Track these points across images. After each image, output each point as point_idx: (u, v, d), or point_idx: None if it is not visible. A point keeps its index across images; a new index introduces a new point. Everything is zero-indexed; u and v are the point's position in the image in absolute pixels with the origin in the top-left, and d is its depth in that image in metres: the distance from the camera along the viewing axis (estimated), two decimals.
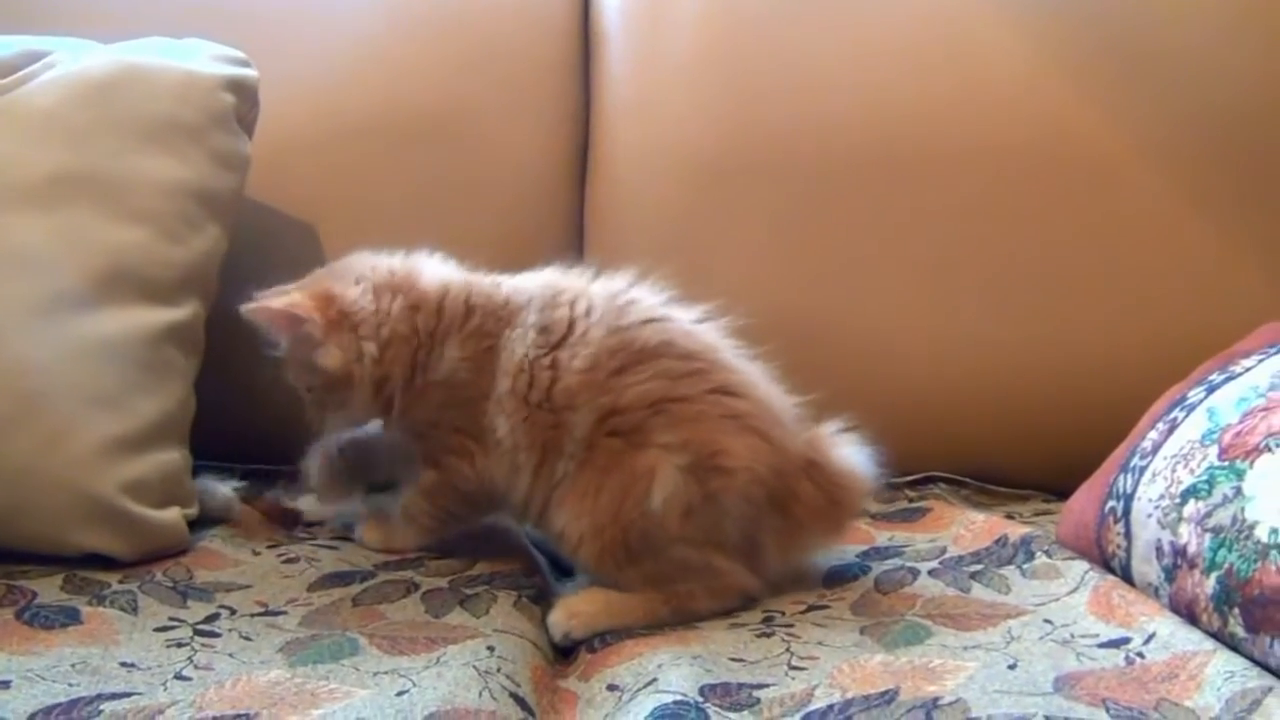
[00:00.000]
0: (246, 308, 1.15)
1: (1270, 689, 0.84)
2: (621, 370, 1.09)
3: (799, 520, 1.10)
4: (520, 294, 1.17)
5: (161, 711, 0.85)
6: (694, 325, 1.15)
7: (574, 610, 1.07)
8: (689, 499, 1.05)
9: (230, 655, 0.96)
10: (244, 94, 1.36)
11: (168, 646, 0.98)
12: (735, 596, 1.09)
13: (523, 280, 1.19)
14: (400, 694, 0.87)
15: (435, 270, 1.21)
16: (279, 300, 1.16)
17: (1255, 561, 0.92)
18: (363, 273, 1.19)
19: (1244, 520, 0.95)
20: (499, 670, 0.92)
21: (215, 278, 1.32)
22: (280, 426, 1.39)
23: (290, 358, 1.18)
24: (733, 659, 0.97)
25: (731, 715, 0.86)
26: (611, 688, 0.93)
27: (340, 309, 1.15)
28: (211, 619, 1.04)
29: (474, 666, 0.91)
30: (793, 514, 1.10)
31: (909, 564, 1.17)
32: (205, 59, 1.35)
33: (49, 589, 1.08)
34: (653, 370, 1.09)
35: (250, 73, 1.37)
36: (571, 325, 1.12)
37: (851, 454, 1.13)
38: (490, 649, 0.95)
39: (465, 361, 1.14)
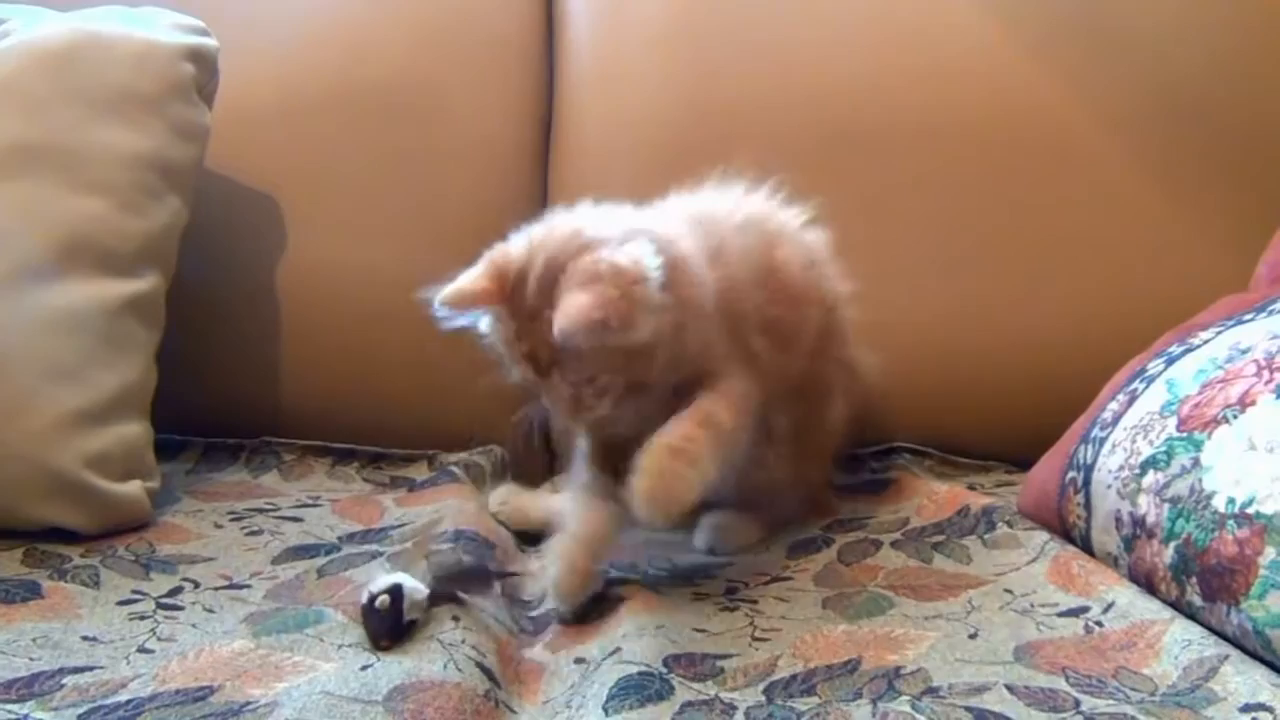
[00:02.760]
0: (564, 329, 0.94)
1: (1226, 656, 0.85)
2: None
3: None
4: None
5: (124, 685, 0.85)
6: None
7: (721, 525, 1.18)
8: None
9: (193, 626, 0.96)
10: (204, 64, 1.35)
11: (130, 619, 0.97)
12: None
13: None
14: (364, 667, 0.87)
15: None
16: (589, 299, 0.95)
17: (1212, 531, 0.93)
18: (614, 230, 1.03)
19: (1201, 490, 0.96)
20: (464, 642, 0.92)
21: (175, 249, 1.31)
22: (240, 399, 1.39)
23: (586, 359, 0.99)
24: (696, 630, 0.97)
25: (695, 685, 0.87)
26: (579, 660, 0.94)
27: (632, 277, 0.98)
28: (175, 592, 1.04)
29: (439, 639, 0.91)
30: None
31: (872, 536, 1.18)
32: (164, 28, 1.34)
33: (9, 563, 1.07)
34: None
35: (210, 42, 1.36)
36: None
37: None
38: (455, 619, 0.95)
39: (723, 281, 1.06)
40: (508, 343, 1.01)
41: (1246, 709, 0.80)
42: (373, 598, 0.93)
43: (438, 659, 0.88)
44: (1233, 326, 1.11)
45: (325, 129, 1.51)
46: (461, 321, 1.02)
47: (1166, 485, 1.00)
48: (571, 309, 0.94)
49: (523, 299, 0.99)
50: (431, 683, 0.85)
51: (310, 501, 1.30)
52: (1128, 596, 0.97)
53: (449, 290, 1.00)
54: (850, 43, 1.52)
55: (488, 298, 1.00)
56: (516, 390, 1.06)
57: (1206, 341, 1.10)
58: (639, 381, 1.01)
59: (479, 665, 0.89)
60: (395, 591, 0.93)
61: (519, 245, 1.02)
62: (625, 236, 1.01)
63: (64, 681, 0.86)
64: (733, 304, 1.07)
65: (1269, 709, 0.79)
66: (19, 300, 1.16)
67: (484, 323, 1.03)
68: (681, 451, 0.99)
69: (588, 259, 0.97)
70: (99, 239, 1.22)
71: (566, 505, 1.11)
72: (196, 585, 1.05)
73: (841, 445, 1.30)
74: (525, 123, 1.58)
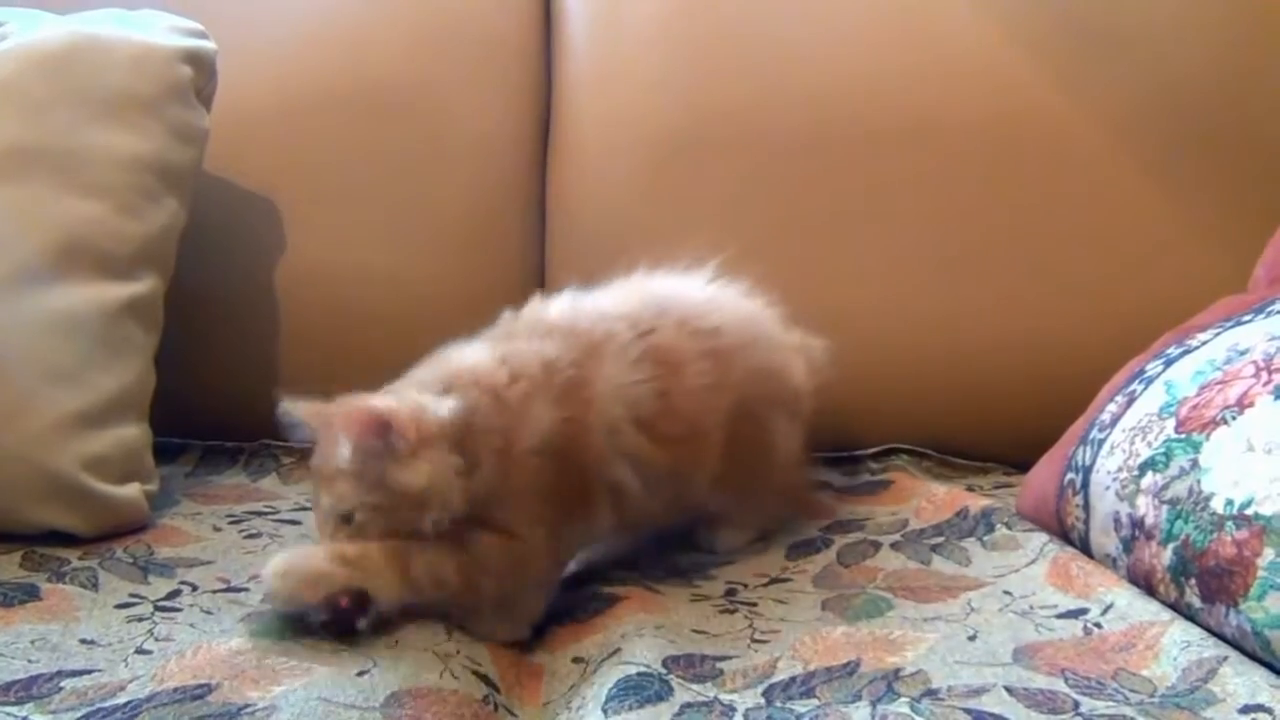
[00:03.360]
0: (320, 409, 1.00)
1: (1225, 658, 0.85)
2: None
3: None
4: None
5: (122, 687, 0.85)
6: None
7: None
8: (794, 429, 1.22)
9: (191, 625, 0.96)
10: (202, 66, 1.35)
11: (128, 622, 0.97)
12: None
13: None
14: (361, 673, 0.87)
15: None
16: (372, 401, 0.98)
17: (1211, 533, 0.93)
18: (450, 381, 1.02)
19: (1200, 492, 0.96)
20: (459, 652, 0.92)
21: (173, 252, 1.31)
22: (239, 402, 1.39)
23: (349, 469, 0.98)
24: (696, 631, 0.97)
25: (695, 687, 0.87)
26: (577, 660, 0.94)
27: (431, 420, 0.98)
28: (173, 595, 1.03)
29: (433, 651, 0.91)
30: None
31: (871, 537, 1.18)
32: (162, 30, 1.33)
33: (7, 566, 1.07)
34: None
35: (208, 45, 1.36)
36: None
37: None
38: (449, 632, 0.95)
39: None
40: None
41: (1246, 710, 0.80)
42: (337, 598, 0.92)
43: (434, 668, 0.88)
44: (1231, 328, 1.11)
45: (323, 130, 1.51)
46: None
47: (1165, 487, 1.00)
48: (358, 409, 0.96)
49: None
50: (428, 689, 0.85)
51: (309, 504, 1.29)
52: (1126, 598, 0.97)
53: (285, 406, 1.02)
54: (848, 42, 1.52)
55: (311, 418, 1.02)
56: None
57: (1205, 343, 1.10)
58: (403, 528, 0.97)
59: (475, 673, 0.89)
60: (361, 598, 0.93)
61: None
62: (436, 387, 1.00)
63: (62, 684, 0.86)
64: (579, 446, 1.02)
65: (1268, 710, 0.79)
66: (17, 303, 1.16)
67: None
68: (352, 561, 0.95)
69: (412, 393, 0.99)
70: (97, 241, 1.22)
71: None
72: (194, 588, 1.05)
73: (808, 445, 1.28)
74: (523, 122, 1.58)
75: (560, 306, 1.11)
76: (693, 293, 1.18)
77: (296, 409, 1.01)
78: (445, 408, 0.97)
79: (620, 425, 1.04)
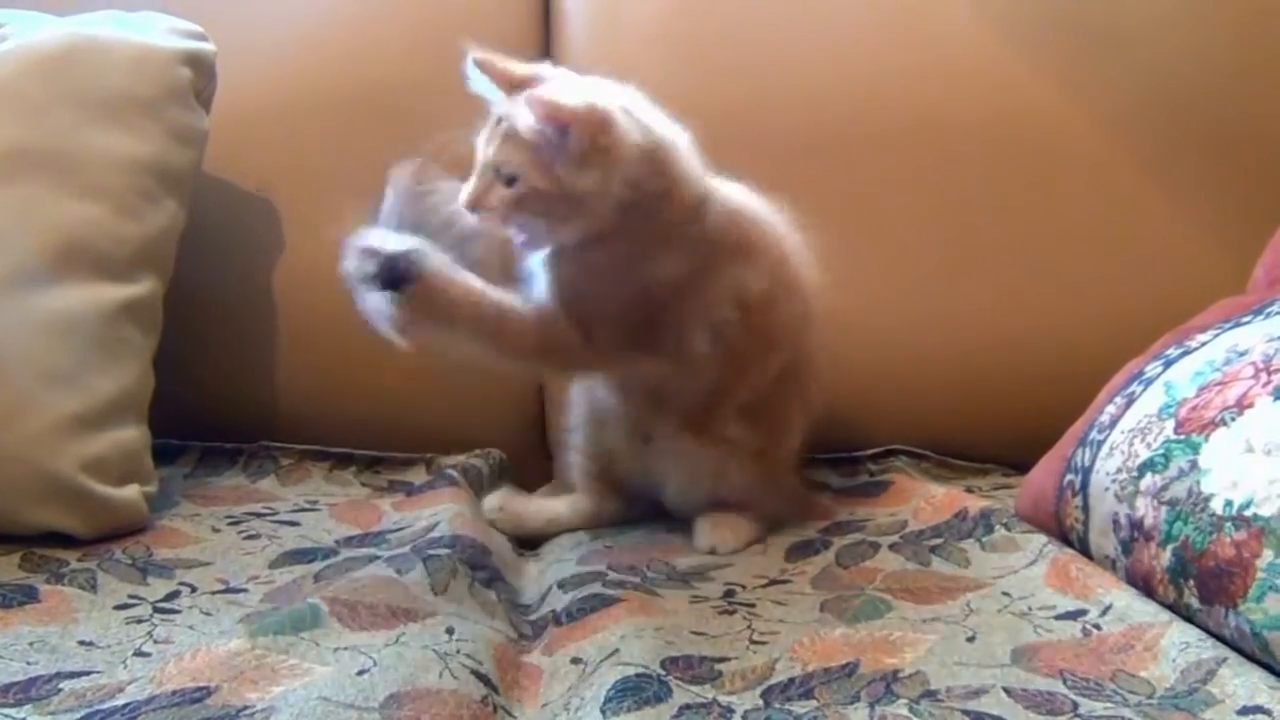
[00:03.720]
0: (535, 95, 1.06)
1: (1224, 659, 0.85)
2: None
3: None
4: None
5: (121, 689, 0.85)
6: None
7: (719, 522, 1.20)
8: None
9: (190, 628, 0.96)
10: (201, 68, 1.35)
11: (127, 624, 0.97)
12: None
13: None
14: (361, 673, 0.87)
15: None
16: (566, 98, 1.07)
17: (1210, 534, 0.93)
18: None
19: (1199, 493, 0.96)
20: (459, 652, 0.92)
21: (173, 254, 1.31)
22: (238, 403, 1.39)
23: (522, 148, 1.08)
24: (694, 633, 0.97)
25: (693, 689, 0.87)
26: (576, 660, 0.93)
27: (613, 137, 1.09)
28: (172, 596, 1.03)
29: (433, 650, 0.91)
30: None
31: (870, 538, 1.18)
32: (161, 32, 1.34)
33: (6, 567, 1.07)
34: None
35: (207, 47, 1.36)
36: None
37: None
38: (449, 631, 0.95)
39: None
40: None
41: (1244, 711, 0.79)
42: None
43: (433, 668, 0.88)
44: (1230, 329, 1.11)
45: (322, 132, 1.51)
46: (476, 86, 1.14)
47: (1164, 488, 0.99)
48: (553, 98, 1.05)
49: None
50: (427, 690, 0.85)
51: (308, 505, 1.30)
52: (1125, 599, 0.97)
53: (486, 56, 1.13)
54: (846, 43, 1.52)
55: (503, 79, 1.12)
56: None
57: (1204, 344, 1.10)
58: (549, 213, 1.09)
59: (474, 673, 0.89)
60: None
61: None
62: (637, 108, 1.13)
63: (61, 686, 0.86)
64: (707, 272, 1.15)
65: (1267, 711, 0.79)
66: (15, 304, 1.16)
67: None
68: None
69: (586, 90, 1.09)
70: (96, 243, 1.22)
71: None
72: (193, 589, 1.05)
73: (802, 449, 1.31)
74: None
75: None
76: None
77: (489, 64, 1.13)
78: (635, 136, 1.10)
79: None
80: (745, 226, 1.17)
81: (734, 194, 1.19)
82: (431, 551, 1.09)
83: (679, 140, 1.16)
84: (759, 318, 1.16)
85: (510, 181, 1.08)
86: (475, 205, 1.10)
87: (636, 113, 1.12)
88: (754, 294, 1.15)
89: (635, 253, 1.12)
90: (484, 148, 1.10)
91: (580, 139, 1.06)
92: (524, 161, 1.07)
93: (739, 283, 1.15)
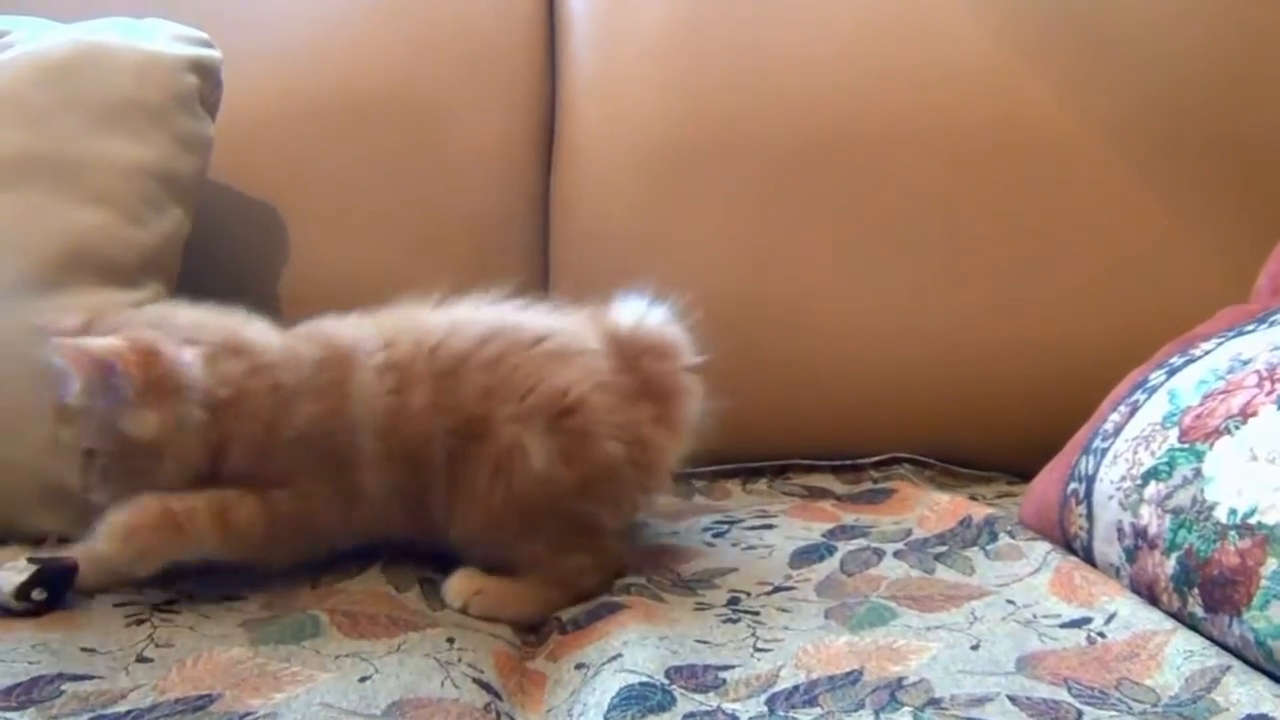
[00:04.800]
0: (55, 340, 0.99)
1: (1228, 667, 0.85)
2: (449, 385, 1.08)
3: (671, 396, 1.12)
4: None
5: (124, 695, 0.85)
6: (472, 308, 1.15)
7: (478, 586, 1.06)
8: (563, 446, 1.05)
9: (191, 629, 0.96)
10: (207, 75, 1.35)
11: (127, 625, 0.97)
12: (617, 566, 1.11)
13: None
14: (363, 680, 0.87)
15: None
16: (96, 343, 0.98)
17: (1214, 542, 0.93)
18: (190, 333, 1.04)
19: (1203, 501, 0.96)
20: (460, 660, 0.92)
21: (178, 260, 1.31)
22: None
23: (83, 410, 1.00)
24: (699, 641, 0.97)
25: (697, 697, 0.87)
26: (579, 666, 0.94)
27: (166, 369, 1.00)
28: (171, 602, 1.03)
29: (434, 658, 0.91)
30: (659, 396, 1.12)
31: (874, 545, 1.18)
32: (167, 39, 1.34)
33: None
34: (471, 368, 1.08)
35: (213, 53, 1.36)
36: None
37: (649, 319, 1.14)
38: (450, 640, 0.95)
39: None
40: None
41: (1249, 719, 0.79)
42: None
43: (435, 676, 0.88)
44: (1234, 338, 1.11)
45: (327, 138, 1.51)
46: None
47: (1168, 496, 0.99)
48: (86, 348, 0.97)
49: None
50: (430, 699, 0.85)
51: None
52: (1130, 607, 0.97)
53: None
54: (847, 50, 1.52)
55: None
56: None
57: (1208, 352, 1.10)
58: (140, 477, 1.00)
59: (476, 681, 0.89)
60: None
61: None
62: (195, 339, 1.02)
63: (64, 688, 0.86)
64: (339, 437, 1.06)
65: (1271, 719, 0.79)
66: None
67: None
68: (177, 524, 1.00)
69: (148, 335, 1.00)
70: (101, 250, 1.22)
71: None
72: (190, 598, 1.05)
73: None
74: (526, 131, 1.58)
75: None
76: (432, 315, 1.14)
77: (57, 346, 0.99)
78: (188, 357, 1.00)
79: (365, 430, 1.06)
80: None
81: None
82: (429, 573, 1.10)
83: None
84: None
85: (91, 455, 1.01)
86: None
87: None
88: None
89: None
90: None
91: (129, 380, 0.97)
92: (84, 428, 1.00)
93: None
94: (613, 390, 1.09)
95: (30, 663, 0.89)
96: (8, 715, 0.82)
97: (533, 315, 1.14)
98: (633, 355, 1.12)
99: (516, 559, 1.07)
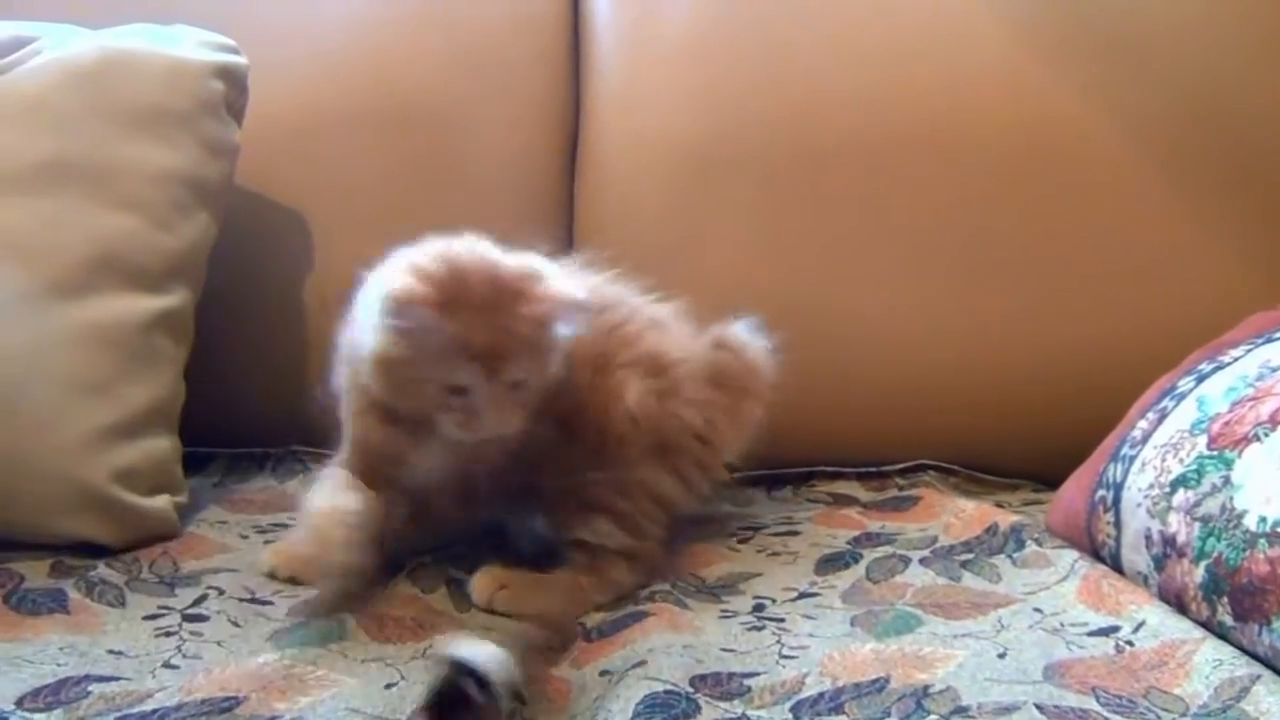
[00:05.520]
0: (567, 302, 1.01)
1: (1258, 676, 0.85)
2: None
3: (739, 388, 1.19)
4: None
5: (150, 695, 0.85)
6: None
7: (502, 581, 1.08)
8: (652, 390, 1.13)
9: (219, 643, 0.96)
10: (233, 81, 1.36)
11: (156, 635, 0.97)
12: (650, 570, 1.13)
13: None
14: (388, 686, 0.87)
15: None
16: (574, 285, 1.04)
17: (1244, 550, 0.92)
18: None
19: (1233, 509, 0.95)
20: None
21: (204, 265, 1.32)
22: (268, 412, 1.39)
23: (533, 358, 1.01)
24: (724, 650, 0.96)
25: (722, 705, 0.86)
26: (604, 673, 0.93)
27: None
28: (199, 601, 1.04)
29: None
30: (733, 392, 1.19)
31: (900, 552, 1.17)
32: (194, 46, 1.34)
33: (37, 576, 1.07)
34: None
35: (240, 60, 1.37)
36: None
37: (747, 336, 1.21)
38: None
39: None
40: (449, 348, 0.98)
41: None
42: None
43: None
44: (1263, 344, 1.10)
45: (352, 146, 1.52)
46: (402, 326, 0.98)
47: (1197, 504, 0.99)
48: (569, 289, 1.01)
49: (468, 300, 0.99)
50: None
51: None
52: (1158, 616, 0.96)
53: (401, 291, 0.97)
54: (873, 58, 1.51)
55: (434, 302, 0.98)
56: None
57: (1237, 359, 1.10)
58: (536, 393, 1.03)
59: (503, 685, 0.89)
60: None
61: (423, 255, 1.03)
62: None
63: (90, 689, 0.86)
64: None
65: None
66: (50, 315, 1.17)
67: (405, 329, 0.98)
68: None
69: (519, 260, 1.04)
70: (129, 255, 1.23)
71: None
72: (221, 593, 1.06)
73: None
74: (551, 139, 1.58)
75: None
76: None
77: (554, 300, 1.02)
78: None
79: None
80: None
81: None
82: (454, 573, 1.10)
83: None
84: None
85: (519, 384, 1.01)
86: (497, 422, 1.02)
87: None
88: None
89: None
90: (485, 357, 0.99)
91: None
92: (534, 360, 1.02)
93: None
94: (698, 369, 1.17)
95: (58, 665, 0.90)
96: (35, 716, 0.83)
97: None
98: (723, 351, 1.20)
99: (583, 532, 1.11)
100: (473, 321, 0.97)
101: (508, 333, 0.98)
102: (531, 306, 0.99)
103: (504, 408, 1.00)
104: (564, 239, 1.55)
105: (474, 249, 1.04)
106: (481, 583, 1.08)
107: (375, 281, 1.03)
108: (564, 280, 1.03)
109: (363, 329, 1.01)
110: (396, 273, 1.01)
